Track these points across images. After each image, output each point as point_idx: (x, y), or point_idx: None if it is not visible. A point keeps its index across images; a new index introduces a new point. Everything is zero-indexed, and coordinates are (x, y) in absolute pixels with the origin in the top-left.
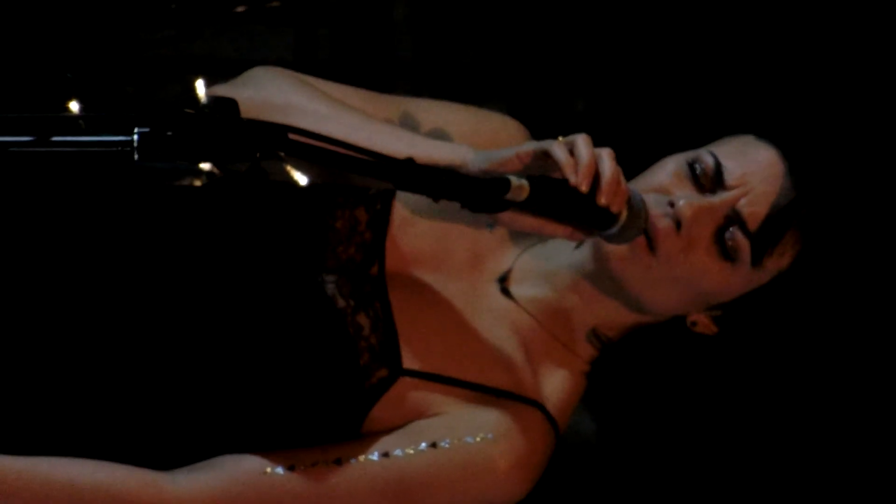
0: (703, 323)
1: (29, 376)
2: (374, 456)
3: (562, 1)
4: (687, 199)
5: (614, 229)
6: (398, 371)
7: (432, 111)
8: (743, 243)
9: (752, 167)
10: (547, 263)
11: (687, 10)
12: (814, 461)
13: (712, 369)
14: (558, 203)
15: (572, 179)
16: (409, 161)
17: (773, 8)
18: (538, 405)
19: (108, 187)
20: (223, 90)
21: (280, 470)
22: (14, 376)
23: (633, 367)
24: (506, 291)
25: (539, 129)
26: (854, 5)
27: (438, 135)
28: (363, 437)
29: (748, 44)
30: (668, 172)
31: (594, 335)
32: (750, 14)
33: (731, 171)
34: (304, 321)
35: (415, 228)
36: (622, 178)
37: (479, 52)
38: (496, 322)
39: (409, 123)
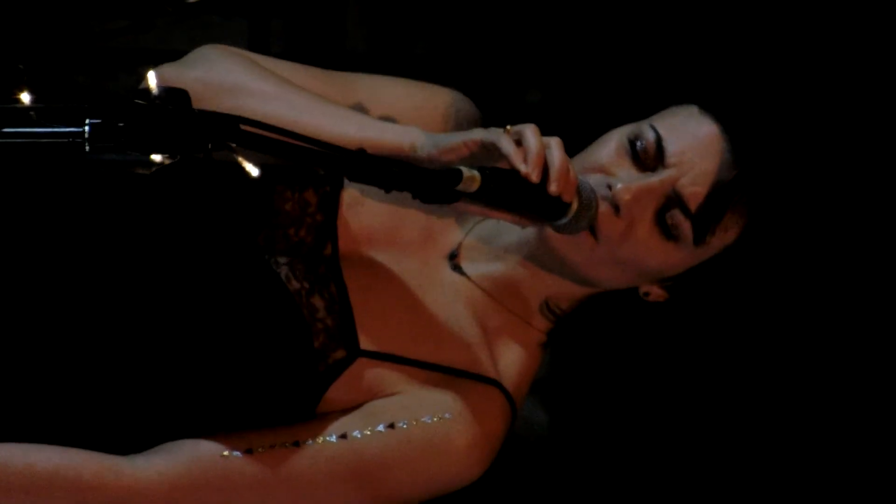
0: (655, 293)
1: None
2: (332, 437)
3: None
4: (625, 181)
5: (564, 220)
6: (355, 352)
7: (379, 88)
8: (684, 224)
9: (693, 143)
10: (495, 241)
11: None
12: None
13: (664, 351)
14: (509, 194)
15: (522, 169)
16: (361, 152)
17: None
18: (496, 383)
19: (59, 179)
20: (171, 69)
21: (238, 453)
22: None
23: (585, 352)
24: (457, 268)
25: (491, 120)
26: None
27: (388, 111)
28: (321, 419)
29: (696, 17)
30: (609, 150)
31: (547, 307)
32: None
33: (672, 148)
34: (256, 304)
35: (366, 208)
36: (571, 168)
37: (432, 43)
38: (451, 298)
39: (359, 100)
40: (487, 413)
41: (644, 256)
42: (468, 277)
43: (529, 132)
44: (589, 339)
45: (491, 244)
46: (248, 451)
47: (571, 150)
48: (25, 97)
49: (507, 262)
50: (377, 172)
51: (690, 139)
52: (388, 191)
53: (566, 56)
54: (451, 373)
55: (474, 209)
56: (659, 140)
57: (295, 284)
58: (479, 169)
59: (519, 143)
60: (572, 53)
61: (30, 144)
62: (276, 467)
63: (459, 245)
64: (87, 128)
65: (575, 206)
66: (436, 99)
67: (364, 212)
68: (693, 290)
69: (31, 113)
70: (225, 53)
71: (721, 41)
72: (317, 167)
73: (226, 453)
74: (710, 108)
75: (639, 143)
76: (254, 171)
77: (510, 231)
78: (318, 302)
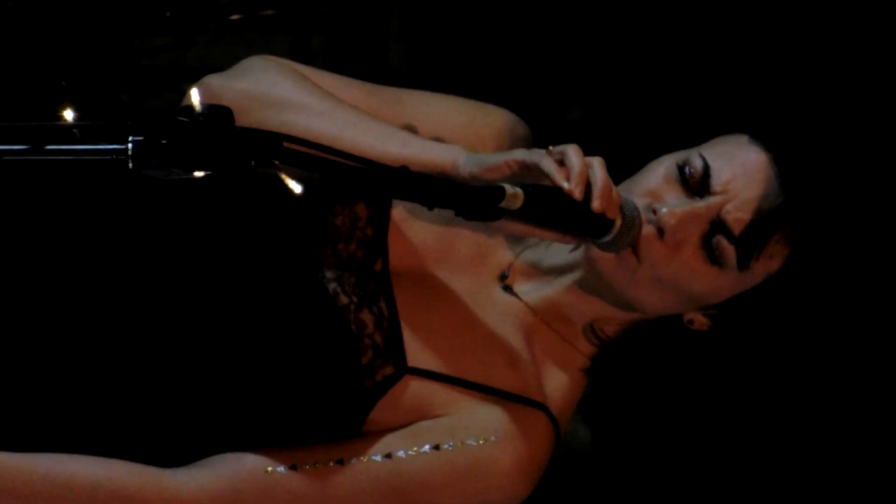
0: (699, 321)
1: (32, 378)
2: (377, 457)
3: (555, 9)
4: (670, 206)
5: (608, 237)
6: (403, 369)
7: (427, 104)
8: (728, 249)
9: (740, 170)
10: (545, 263)
11: (684, 13)
12: (810, 463)
13: (707, 374)
14: (552, 211)
15: (566, 186)
16: (404, 170)
17: (771, 11)
18: (542, 406)
19: (103, 196)
20: (218, 80)
21: (282, 469)
22: (17, 378)
23: (628, 374)
24: (508, 289)
25: (534, 137)
26: (850, 10)
27: (437, 128)
28: (366, 437)
29: (745, 45)
30: (657, 175)
31: (591, 331)
32: (747, 16)
33: (719, 175)
34: (304, 319)
35: (417, 223)
36: (613, 186)
37: (473, 60)
38: (500, 319)
39: (407, 115)
40: (533, 437)
41: (687, 280)
42: (519, 298)
43: (572, 151)
44: (633, 365)
45: (540, 266)
46: (293, 468)
47: (613, 170)
48: (69, 114)
49: (554, 285)
50: (420, 189)
51: (738, 167)
52: (430, 208)
53: (612, 76)
54: (497, 394)
55: (517, 227)
56: (706, 167)
57: (344, 299)
58: (523, 186)
59: (561, 162)
60: (618, 74)
61: (73, 161)
62: (320, 485)
63: (510, 266)
64: (130, 145)
65: (618, 223)
66: (487, 118)
67: (416, 228)
68: (737, 319)
69: (75, 130)
70: (273, 65)
71: (773, 70)
72: (359, 184)
73: (270, 469)
74: (760, 136)
75: (687, 170)
76: (297, 188)
77: (558, 253)
78: (366, 317)
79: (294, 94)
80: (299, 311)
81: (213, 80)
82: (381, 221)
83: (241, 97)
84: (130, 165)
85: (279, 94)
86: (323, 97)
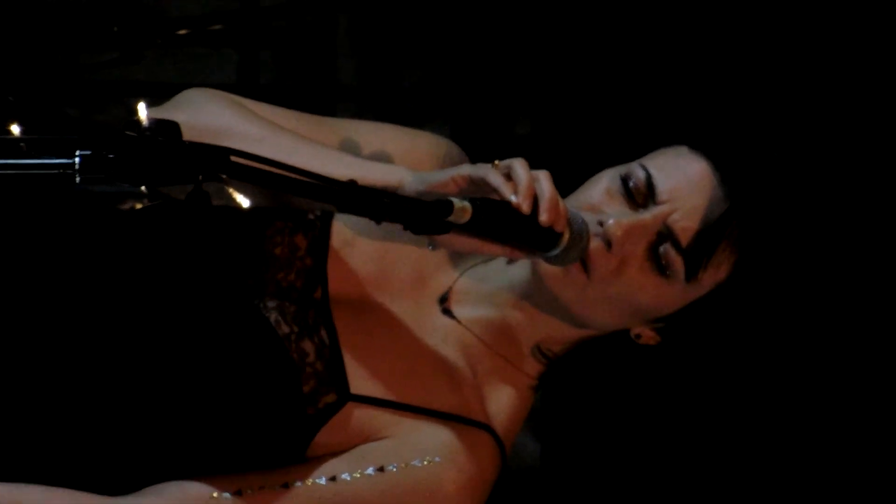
0: (646, 335)
1: None
2: (322, 480)
3: (503, 24)
4: (616, 217)
5: (556, 251)
6: (346, 396)
7: (370, 132)
8: (676, 259)
9: (683, 180)
10: (486, 283)
11: (623, 26)
12: (761, 467)
13: (656, 383)
14: (500, 225)
15: (513, 200)
16: (352, 183)
17: (706, 19)
18: (485, 426)
19: (49, 210)
20: (157, 112)
21: (227, 495)
22: None
23: (577, 386)
24: (447, 311)
25: (481, 151)
26: (787, 14)
27: (375, 156)
28: (310, 462)
29: (682, 54)
30: (600, 189)
31: (539, 351)
32: (684, 26)
33: (663, 185)
34: (245, 348)
35: (356, 250)
36: (560, 199)
37: (421, 75)
38: (441, 342)
39: (346, 145)
40: (477, 457)
41: (636, 293)
42: (458, 321)
43: (518, 165)
44: (581, 379)
45: (482, 288)
46: (238, 493)
47: (560, 184)
48: (15, 129)
49: (498, 305)
50: (368, 203)
51: (681, 176)
52: (378, 222)
53: (556, 89)
54: (441, 416)
55: (465, 241)
56: (649, 178)
57: (285, 329)
58: (471, 199)
59: (508, 177)
60: (562, 87)
61: (20, 176)
62: None
63: (450, 289)
64: (77, 159)
65: (566, 236)
66: (423, 143)
67: (355, 254)
68: (684, 332)
69: (21, 144)
70: (210, 96)
71: (711, 79)
72: (307, 197)
73: (215, 494)
74: (700, 146)
75: (631, 182)
76: (245, 202)
77: (502, 274)
78: (307, 346)
79: (234, 122)
80: (240, 341)
81: (153, 112)
82: (320, 250)
83: (182, 129)
84: (77, 180)
85: (220, 123)
86: (264, 125)
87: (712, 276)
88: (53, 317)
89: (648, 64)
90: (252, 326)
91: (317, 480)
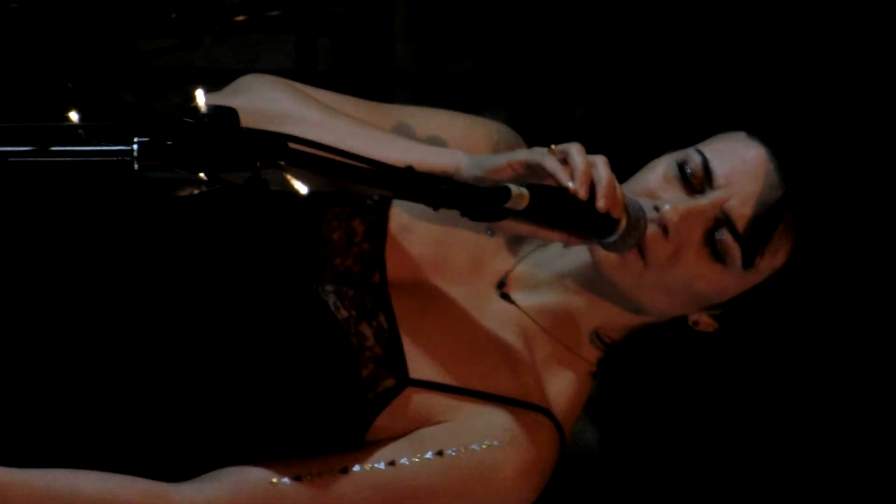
0: (704, 322)
1: (31, 386)
2: (381, 465)
3: (559, 9)
4: (672, 203)
5: (614, 237)
6: (405, 381)
7: (426, 118)
8: (732, 245)
9: (740, 166)
10: (544, 270)
11: (681, 11)
12: (819, 462)
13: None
14: (557, 211)
15: (570, 186)
16: (409, 169)
17: (767, 7)
18: (544, 411)
19: (108, 197)
20: (215, 98)
21: (286, 480)
22: (16, 386)
23: (635, 373)
24: (506, 297)
25: (538, 136)
26: (848, 5)
27: (431, 141)
28: (369, 446)
29: (741, 42)
30: (657, 174)
31: (597, 337)
32: (744, 13)
33: (720, 170)
34: (305, 333)
35: (413, 235)
36: (617, 184)
37: (478, 60)
38: (499, 327)
39: (402, 131)
40: (536, 440)
41: (693, 279)
42: (517, 306)
43: (574, 150)
44: (640, 366)
45: (540, 273)
46: (297, 479)
47: (617, 168)
48: (74, 115)
49: (556, 291)
50: (425, 190)
51: (738, 162)
52: (436, 208)
53: (613, 74)
54: (499, 400)
55: (522, 227)
56: (706, 163)
57: (343, 313)
58: (528, 186)
59: (564, 161)
60: (619, 71)
61: (78, 163)
62: (325, 494)
63: (508, 274)
64: (135, 146)
65: (623, 223)
66: (479, 129)
67: (412, 240)
68: (743, 317)
69: (80, 131)
70: (269, 82)
71: (770, 65)
72: (365, 184)
73: (274, 480)
74: (757, 132)
75: (687, 167)
76: (302, 189)
77: (560, 259)
78: (366, 330)
79: (292, 107)
80: (300, 326)
81: (210, 98)
82: (378, 235)
83: (240, 113)
84: (136, 166)
85: (277, 108)
86: (322, 110)
87: (769, 263)
88: (115, 304)
89: (707, 48)
90: (311, 311)
91: (375, 465)
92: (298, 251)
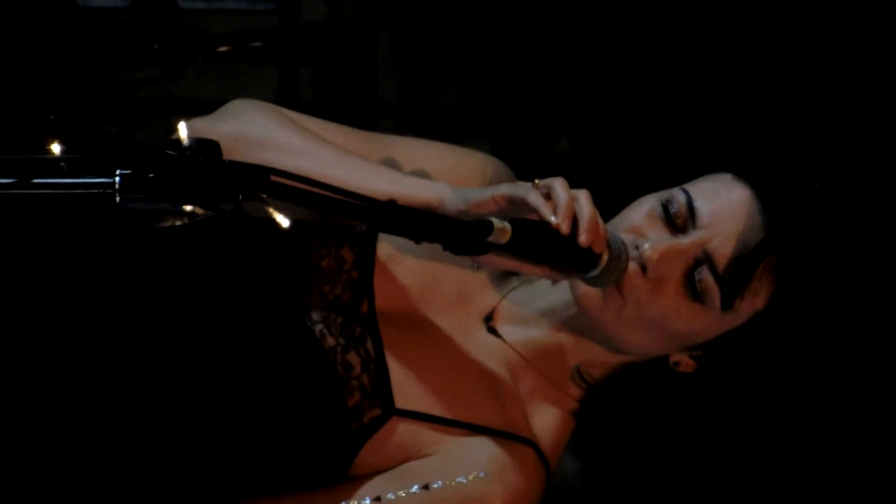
0: (684, 363)
1: (12, 420)
2: (366, 501)
3: (543, 42)
4: (653, 242)
5: (595, 272)
6: (390, 410)
7: (412, 148)
8: (712, 285)
9: (725, 206)
10: (530, 305)
11: (671, 48)
12: (800, 493)
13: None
14: (540, 245)
15: (553, 220)
16: (392, 203)
17: (757, 45)
18: (530, 443)
19: (90, 229)
20: (202, 123)
21: None
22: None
23: (617, 407)
24: (492, 330)
25: (522, 168)
26: (838, 46)
27: (418, 172)
28: (353, 481)
29: (730, 82)
30: (641, 212)
31: (579, 375)
32: (734, 51)
33: (704, 210)
34: (291, 361)
35: (401, 266)
36: (600, 220)
37: (462, 91)
38: (486, 359)
39: (388, 160)
40: (523, 472)
41: (671, 317)
42: (503, 340)
43: (558, 185)
44: (621, 404)
45: (525, 308)
46: None
47: (600, 203)
48: (56, 148)
49: (540, 327)
50: (408, 223)
51: (723, 203)
52: (418, 242)
53: (599, 109)
54: (485, 432)
55: (504, 262)
56: (690, 203)
57: (330, 341)
58: (510, 220)
59: (548, 196)
60: (605, 107)
61: (60, 195)
62: None
63: (495, 308)
64: (117, 178)
65: (605, 257)
66: (470, 161)
67: (400, 269)
68: (722, 360)
69: (62, 164)
70: (256, 107)
71: (755, 107)
72: (347, 217)
73: None
74: (743, 174)
75: (671, 207)
76: (284, 222)
77: (546, 295)
78: (353, 359)
79: (280, 134)
80: (286, 354)
81: (198, 123)
82: (367, 264)
83: (226, 139)
84: (118, 199)
85: (265, 134)
86: (308, 137)
87: (749, 305)
88: (98, 337)
89: (695, 87)
90: (297, 339)
91: (361, 502)
92: (286, 278)
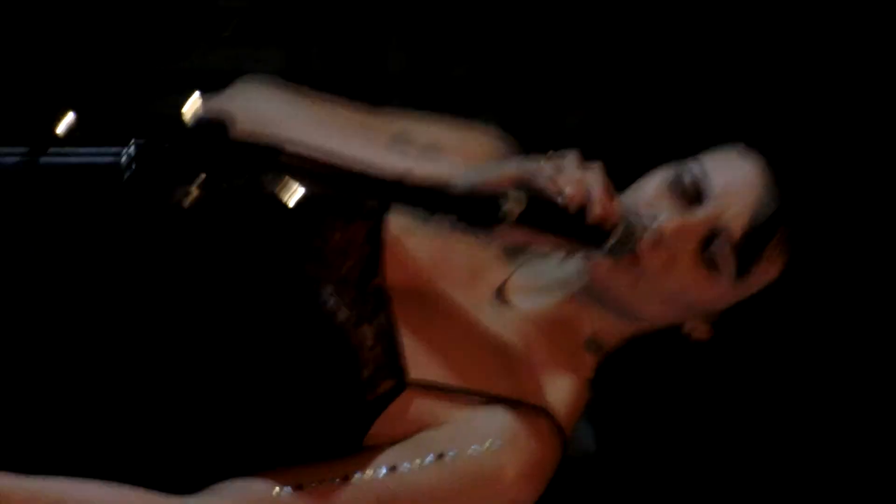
0: (698, 331)
1: (23, 397)
2: (382, 470)
3: (552, 15)
4: (668, 214)
5: (608, 244)
6: (403, 382)
7: (422, 125)
8: (727, 256)
9: (737, 178)
10: (542, 277)
11: (682, 23)
12: (812, 464)
13: (710, 376)
14: (551, 220)
15: (559, 201)
16: (402, 179)
17: (769, 22)
18: (544, 412)
19: (103, 200)
20: (211, 103)
21: (288, 489)
22: (8, 396)
23: (632, 376)
24: (505, 302)
25: (532, 143)
26: (848, 23)
27: (430, 149)
28: (369, 451)
29: (742, 54)
30: (654, 185)
31: (593, 343)
32: (746, 26)
33: (716, 184)
34: (304, 336)
35: (413, 239)
36: (613, 193)
37: (471, 65)
38: (498, 330)
39: (400, 137)
40: (537, 441)
41: (686, 288)
42: (515, 311)
43: (570, 158)
44: (636, 372)
45: (538, 279)
46: (299, 487)
47: (613, 175)
48: (71, 118)
49: (553, 297)
50: (421, 196)
51: (735, 174)
52: (430, 216)
53: (610, 82)
54: (499, 401)
55: (517, 235)
56: (703, 175)
57: (343, 315)
58: (522, 195)
59: (559, 170)
60: (617, 80)
61: (74, 165)
62: (327, 502)
63: (506, 281)
64: (131, 149)
65: (618, 231)
66: (477, 136)
67: (412, 243)
68: (737, 327)
69: (77, 133)
70: (266, 87)
71: (768, 80)
72: (359, 193)
73: (277, 490)
74: (755, 146)
75: (685, 178)
76: (292, 199)
77: (557, 267)
78: (366, 332)
79: (288, 111)
80: (298, 328)
81: (209, 101)
82: (378, 238)
83: (235, 118)
84: (133, 167)
85: (274, 112)
86: (317, 114)
87: (762, 275)
88: (110, 312)
89: (706, 60)
90: (310, 313)
91: (377, 471)
92: (299, 253)
